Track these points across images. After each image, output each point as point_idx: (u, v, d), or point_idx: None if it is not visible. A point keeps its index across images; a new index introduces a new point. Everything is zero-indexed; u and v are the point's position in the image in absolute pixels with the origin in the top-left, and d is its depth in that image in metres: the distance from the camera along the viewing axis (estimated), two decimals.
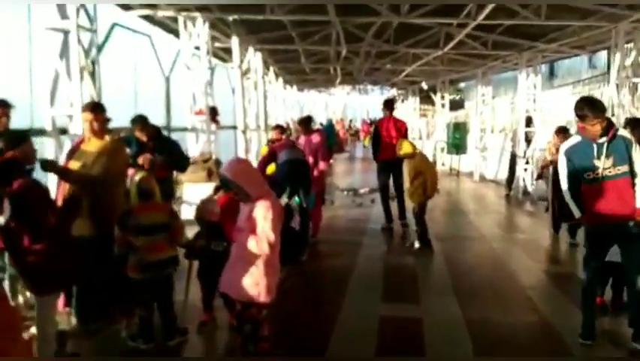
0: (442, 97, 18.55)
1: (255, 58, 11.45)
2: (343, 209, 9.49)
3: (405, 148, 6.31)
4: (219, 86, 13.98)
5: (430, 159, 21.39)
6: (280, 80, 18.38)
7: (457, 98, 30.25)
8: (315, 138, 6.79)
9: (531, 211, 9.43)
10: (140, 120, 5.01)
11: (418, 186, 6.30)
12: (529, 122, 11.01)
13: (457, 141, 15.86)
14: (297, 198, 6.23)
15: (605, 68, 14.47)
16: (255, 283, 3.01)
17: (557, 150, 6.44)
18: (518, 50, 10.85)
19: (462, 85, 33.10)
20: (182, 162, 5.40)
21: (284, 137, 7.45)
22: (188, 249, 3.89)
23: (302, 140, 7.03)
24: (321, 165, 6.76)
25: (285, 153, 5.86)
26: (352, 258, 6.11)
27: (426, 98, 23.13)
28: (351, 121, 34.40)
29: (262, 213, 2.97)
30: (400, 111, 27.15)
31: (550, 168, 6.72)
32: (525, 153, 11.03)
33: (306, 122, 6.95)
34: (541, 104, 11.18)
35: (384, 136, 7.74)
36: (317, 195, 6.85)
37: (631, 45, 7.36)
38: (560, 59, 11.95)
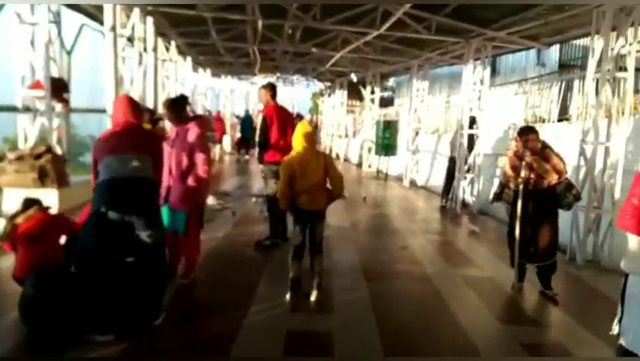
0: (372, 91, 16.79)
1: (141, 23, 8.86)
2: (245, 225, 7.26)
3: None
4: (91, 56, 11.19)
5: (356, 160, 19.83)
6: (189, 61, 15.69)
7: (387, 95, 28.98)
8: (193, 131, 4.49)
9: (474, 231, 7.72)
10: None
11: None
12: (472, 123, 9.39)
13: (387, 141, 14.14)
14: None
15: (555, 65, 13.35)
16: None
17: (519, 162, 4.69)
18: (465, 38, 9.17)
19: (391, 82, 31.97)
20: None
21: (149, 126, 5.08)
22: None
23: (172, 133, 4.71)
24: (200, 169, 4.48)
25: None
26: (236, 320, 3.92)
27: (355, 93, 21.39)
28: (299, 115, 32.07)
29: None
30: (327, 106, 25.31)
31: (512, 189, 4.93)
32: (466, 158, 9.40)
33: (174, 106, 4.56)
34: (487, 103, 9.59)
35: (274, 132, 5.85)
36: (191, 216, 4.57)
37: (614, 34, 5.76)
38: (510, 52, 10.48)
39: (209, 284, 4.81)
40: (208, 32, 11.65)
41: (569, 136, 8.18)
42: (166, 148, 4.39)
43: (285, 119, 6.03)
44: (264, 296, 4.47)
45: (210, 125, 16.45)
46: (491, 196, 5.55)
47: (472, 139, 9.37)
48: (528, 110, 10.32)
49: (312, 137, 4.43)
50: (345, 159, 19.86)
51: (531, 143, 4.67)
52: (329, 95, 24.01)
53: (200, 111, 16.97)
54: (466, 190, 9.43)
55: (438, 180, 12.47)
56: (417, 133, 13.06)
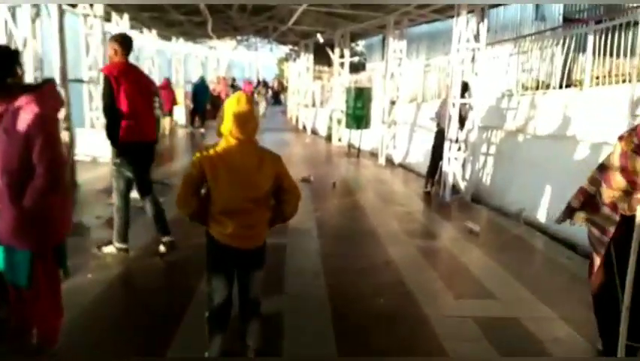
0: (342, 54, 14.80)
1: None
2: (180, 229, 5.38)
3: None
4: None
5: (324, 132, 17.93)
6: (126, 19, 13.27)
7: (357, 60, 26.90)
8: (27, 111, 2.49)
9: (475, 232, 6.03)
10: None
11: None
12: (464, 89, 7.63)
13: (359, 112, 12.30)
14: None
15: (558, 20, 11.53)
16: None
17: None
18: None
19: (360, 47, 29.83)
20: None
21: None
22: None
23: None
24: (42, 181, 2.54)
25: None
26: None
27: (323, 58, 19.30)
28: (234, 80, 29.70)
29: None
30: (292, 72, 23.13)
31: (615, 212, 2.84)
32: (457, 134, 7.68)
33: None
34: (483, 65, 7.83)
35: (123, 101, 4.26)
36: (38, 259, 2.68)
37: None
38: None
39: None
40: None
41: (582, 107, 6.55)
42: None
43: (140, 83, 4.46)
44: None
45: (157, 94, 14.25)
46: (561, 215, 3.26)
47: (462, 110, 7.63)
48: (524, 73, 8.63)
49: (250, 121, 2.58)
50: (313, 132, 17.96)
51: None
52: (294, 60, 21.86)
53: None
54: (456, 173, 7.75)
55: (418, 157, 10.80)
56: (393, 102, 11.26)
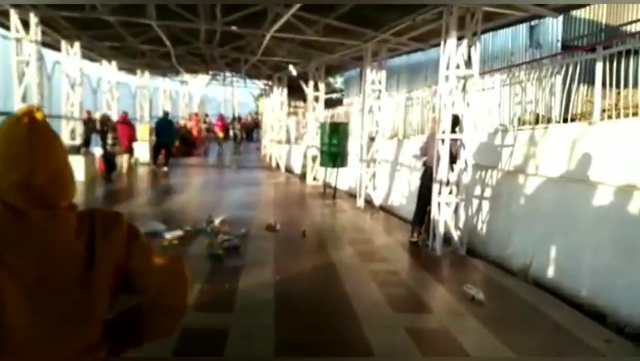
0: (316, 87, 13.76)
1: None
2: None
3: None
4: None
5: (298, 170, 16.72)
6: (77, 47, 12.03)
7: (335, 97, 26.09)
8: None
9: (478, 299, 4.75)
10: None
11: None
12: (455, 123, 6.51)
13: (334, 149, 11.14)
14: None
15: (556, 46, 10.51)
16: None
17: None
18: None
19: (339, 83, 29.16)
20: None
21: None
22: None
23: None
24: None
25: None
26: None
27: (298, 92, 18.31)
28: (207, 115, 28.64)
29: None
30: (267, 108, 22.05)
31: None
32: (448, 175, 6.50)
33: None
34: (475, 95, 6.74)
35: None
36: None
37: None
38: (497, 28, 7.66)
39: None
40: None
41: (594, 143, 5.48)
42: None
43: None
44: None
45: (113, 130, 12.94)
46: None
47: (453, 147, 6.49)
48: (518, 106, 7.62)
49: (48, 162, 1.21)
50: (287, 170, 16.75)
51: None
52: (267, 95, 20.85)
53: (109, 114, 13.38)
54: (448, 220, 6.53)
55: (400, 199, 9.62)
56: (372, 138, 10.15)
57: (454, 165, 6.51)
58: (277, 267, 5.39)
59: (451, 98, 6.35)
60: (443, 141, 6.36)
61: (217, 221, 7.26)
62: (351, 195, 11.15)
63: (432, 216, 6.59)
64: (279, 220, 7.69)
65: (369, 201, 10.15)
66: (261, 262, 5.51)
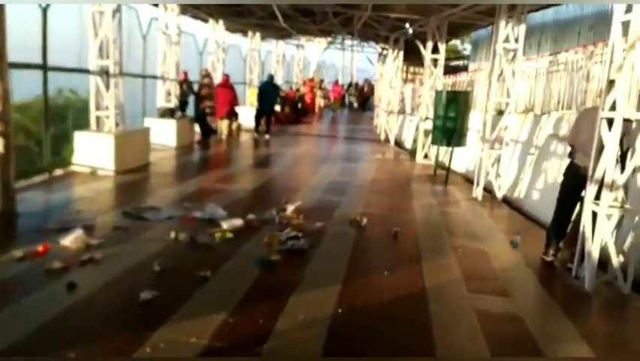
0: (435, 49, 11.64)
1: None
2: None
3: None
4: None
5: (409, 144, 14.75)
6: (173, 5, 11.33)
7: (462, 64, 23.20)
8: None
9: None
10: None
11: None
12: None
13: (451, 124, 9.15)
14: None
15: None
16: None
17: None
18: None
19: (466, 51, 25.94)
20: None
21: None
22: None
23: None
24: None
25: None
26: None
27: (416, 57, 16.17)
28: (322, 81, 27.52)
29: None
30: (384, 74, 20.17)
31: None
32: (613, 174, 4.35)
33: None
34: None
35: None
36: None
37: None
38: None
39: None
40: None
41: None
42: None
43: None
44: None
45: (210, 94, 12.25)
46: None
47: (626, 131, 4.30)
48: None
49: None
50: (397, 144, 14.93)
51: None
52: (384, 60, 18.93)
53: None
54: (607, 240, 4.41)
55: (533, 194, 7.47)
56: (500, 112, 7.99)
57: (625, 161, 4.34)
58: (343, 290, 3.88)
59: (630, 56, 4.14)
60: (611, 122, 4.22)
61: (290, 209, 5.92)
62: (468, 181, 9.14)
63: (581, 229, 4.53)
64: (369, 211, 6.18)
65: (489, 191, 8.10)
66: (324, 280, 4.04)
